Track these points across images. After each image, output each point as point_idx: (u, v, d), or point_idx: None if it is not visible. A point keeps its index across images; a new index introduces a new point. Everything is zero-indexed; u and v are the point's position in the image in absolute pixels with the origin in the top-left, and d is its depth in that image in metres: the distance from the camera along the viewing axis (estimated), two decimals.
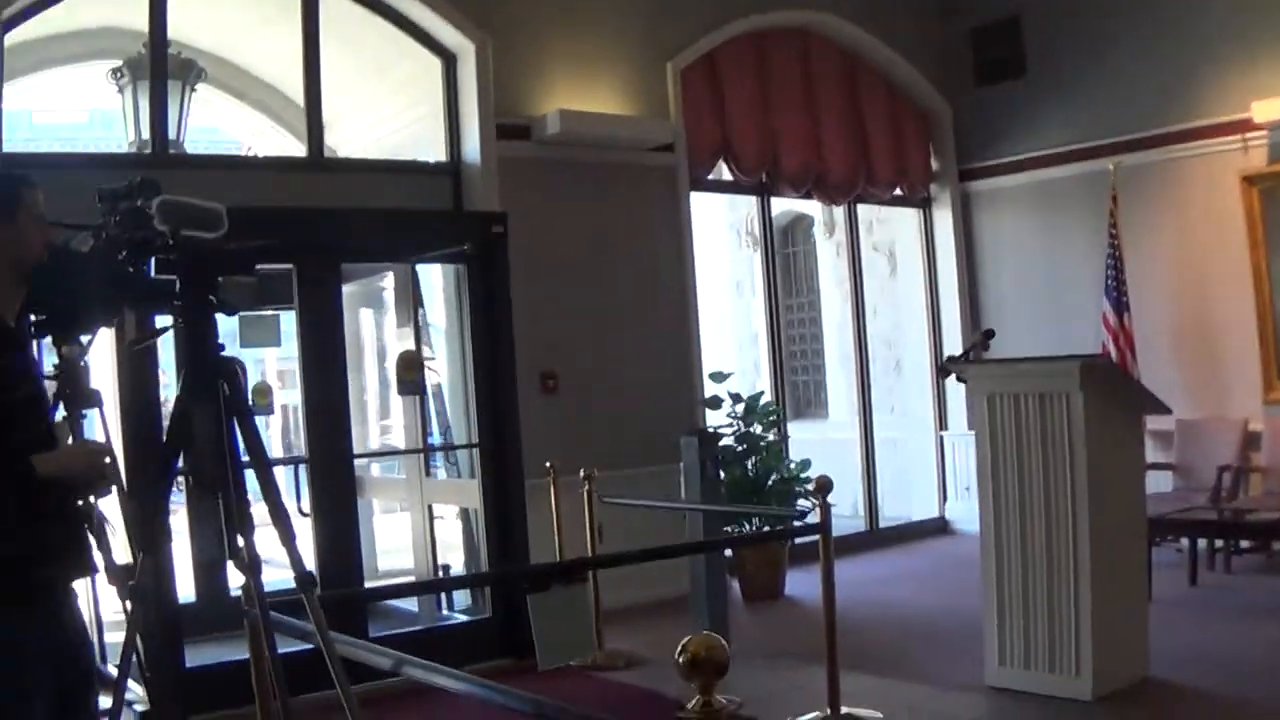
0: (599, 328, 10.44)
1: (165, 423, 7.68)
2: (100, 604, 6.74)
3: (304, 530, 7.87)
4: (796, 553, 10.68)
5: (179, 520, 5.14)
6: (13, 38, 8.36)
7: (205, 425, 3.96)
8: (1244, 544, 10.25)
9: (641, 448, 10.20)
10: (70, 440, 4.34)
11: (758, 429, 10.88)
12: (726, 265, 17.16)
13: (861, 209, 13.63)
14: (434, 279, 9.79)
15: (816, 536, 6.85)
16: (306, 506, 7.92)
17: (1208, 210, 11.41)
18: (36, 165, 7.83)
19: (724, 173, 12.05)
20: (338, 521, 8.03)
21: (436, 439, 9.78)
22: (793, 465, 10.95)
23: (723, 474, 9.03)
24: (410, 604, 9.44)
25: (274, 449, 13.32)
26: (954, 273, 13.52)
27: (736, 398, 10.93)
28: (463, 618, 9.03)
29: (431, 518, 9.59)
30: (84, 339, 4.01)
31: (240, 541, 4.03)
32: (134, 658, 4.24)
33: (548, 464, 8.52)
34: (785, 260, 16.15)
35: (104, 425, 5.04)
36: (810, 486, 10.30)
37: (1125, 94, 11.90)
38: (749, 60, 11.94)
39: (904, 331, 14.34)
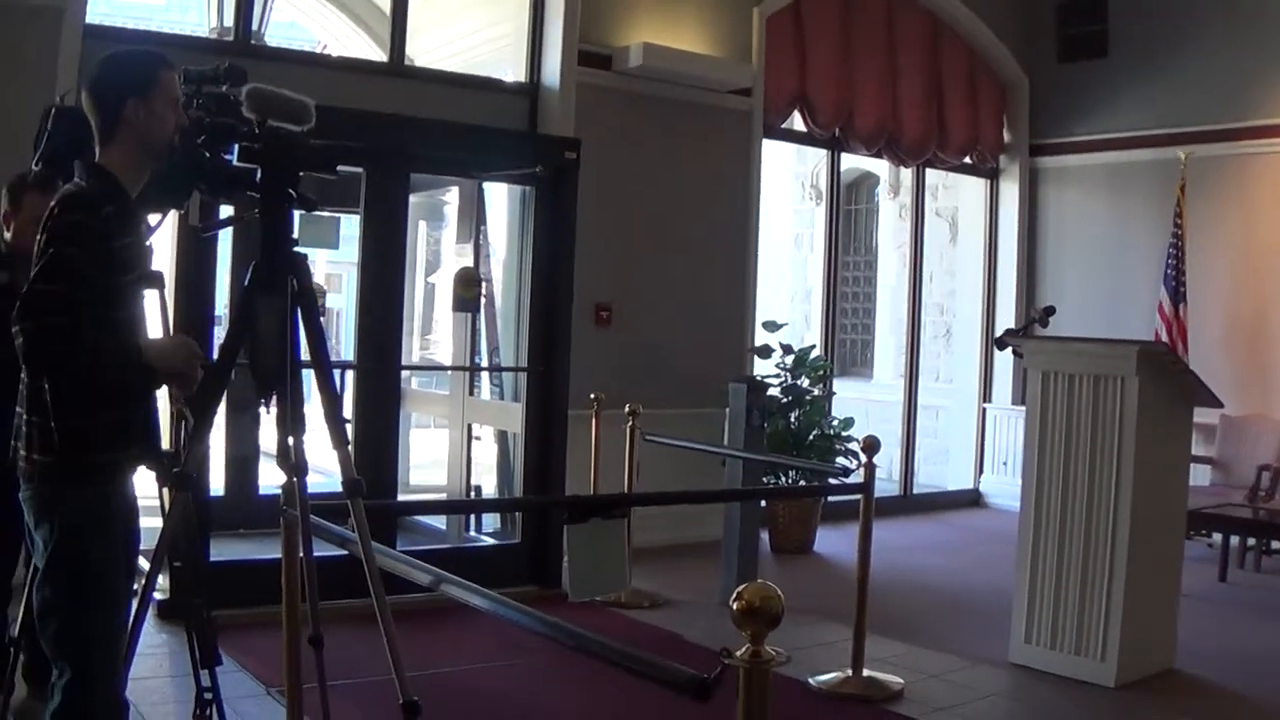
0: (658, 265, 10.40)
1: (220, 312, 7.78)
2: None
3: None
4: (828, 510, 10.66)
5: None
6: None
7: (270, 320, 3.92)
8: (1276, 545, 10.18)
9: (686, 389, 10.20)
10: None
11: (805, 382, 10.83)
12: (788, 217, 17.08)
13: (929, 173, 13.52)
14: (499, 199, 9.74)
15: (856, 496, 6.83)
16: (349, 414, 7.92)
17: (1274, 209, 11.29)
18: (115, 40, 7.80)
19: (798, 123, 11.93)
20: (379, 432, 7.99)
21: (484, 359, 9.75)
22: (836, 422, 10.90)
23: (766, 424, 8.99)
24: (438, 521, 9.46)
25: None
26: (1014, 246, 13.41)
27: (787, 349, 10.87)
28: (490, 541, 9.03)
29: (470, 437, 9.57)
30: (152, 219, 3.97)
31: (290, 441, 4.02)
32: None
33: (592, 395, 8.52)
34: (847, 217, 16.06)
35: (163, 308, 5.02)
36: (852, 445, 10.33)
37: (1203, 84, 11.77)
38: (834, 13, 11.83)
39: (958, 300, 14.25)
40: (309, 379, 4.03)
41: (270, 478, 7.62)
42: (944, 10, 12.76)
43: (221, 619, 5.21)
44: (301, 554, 4.29)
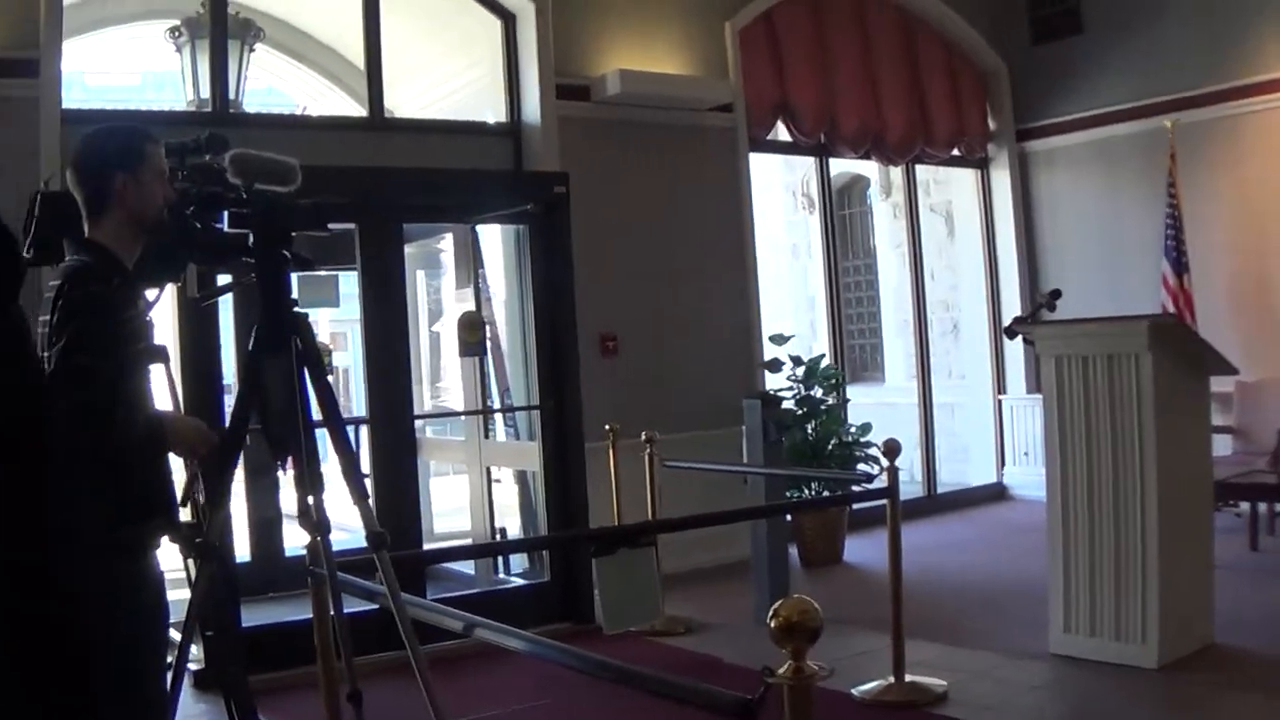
0: (659, 290, 10.37)
1: (228, 380, 7.78)
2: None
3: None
4: (854, 518, 10.62)
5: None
6: None
7: (278, 382, 3.93)
8: None
9: (701, 411, 10.17)
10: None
11: (818, 392, 10.80)
12: (782, 228, 17.07)
13: (919, 170, 13.51)
14: (492, 241, 9.73)
15: (881, 501, 6.79)
16: (367, 467, 7.90)
17: (1271, 167, 11.25)
18: (95, 121, 7.78)
19: (782, 133, 11.91)
20: (399, 483, 8.01)
21: (496, 401, 9.74)
22: (853, 429, 10.87)
23: (784, 438, 8.95)
24: (466, 567, 9.44)
25: None
26: (1012, 234, 13.39)
27: (797, 361, 10.84)
28: (520, 581, 9.00)
29: (489, 480, 9.56)
30: (150, 294, 3.96)
31: (310, 501, 4.01)
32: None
33: (607, 426, 8.49)
34: (841, 222, 16.03)
35: (170, 381, 5.00)
36: (871, 451, 10.29)
37: (1182, 50, 11.75)
38: (806, 19, 11.83)
39: (961, 294, 14.22)
40: (324, 437, 4.02)
41: (295, 539, 7.61)
42: (914, 5, 12.75)
43: (259, 683, 5.19)
44: (332, 611, 4.27)
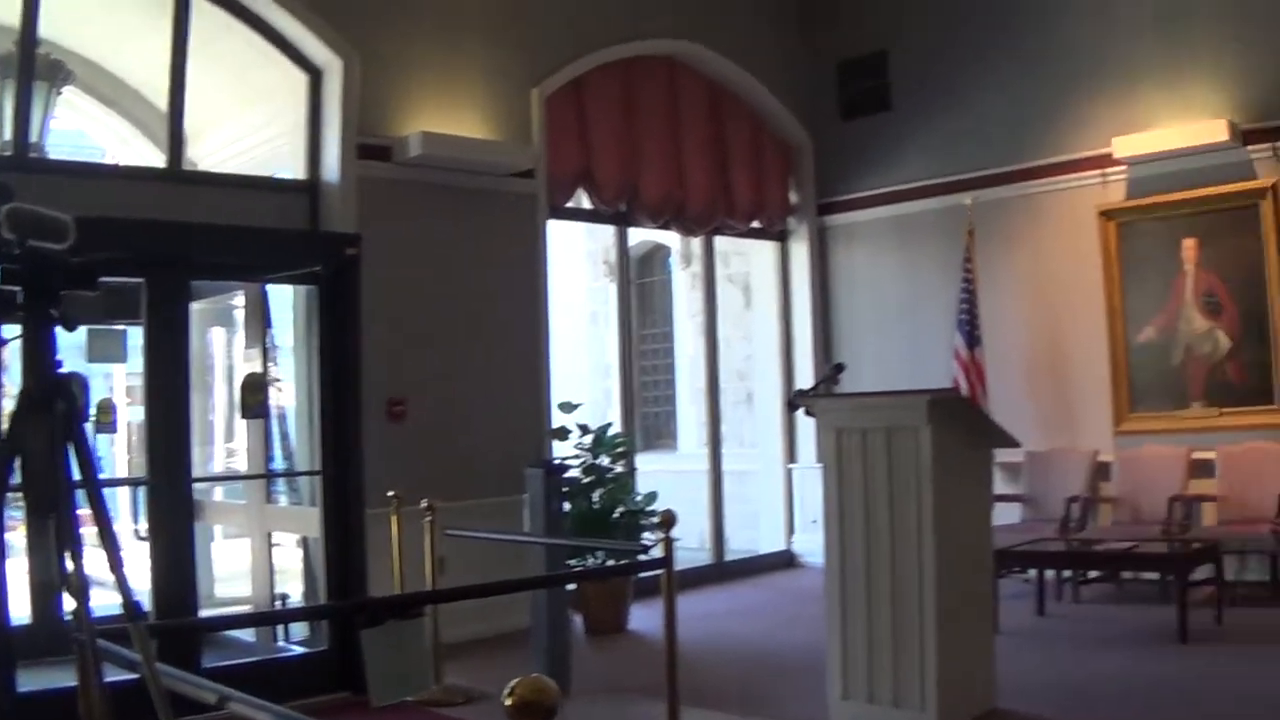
0: (450, 355, 10.29)
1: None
2: None
3: (141, 554, 7.68)
4: (641, 586, 10.60)
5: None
6: None
7: (38, 443, 3.83)
8: (1092, 573, 10.38)
9: (488, 478, 10.10)
10: None
11: (605, 460, 10.83)
12: (583, 295, 17.16)
13: (719, 241, 13.68)
14: (286, 300, 9.59)
15: (660, 571, 6.82)
16: (144, 529, 7.72)
17: (1065, 245, 11.69)
18: None
19: (584, 201, 11.99)
20: (174, 546, 7.75)
21: (280, 464, 9.58)
22: (639, 498, 10.90)
23: (567, 506, 8.94)
24: (248, 634, 9.23)
25: (119, 468, 12.99)
26: (808, 306, 13.64)
27: (584, 429, 10.88)
28: (300, 649, 8.81)
29: (270, 545, 9.37)
30: None
31: (69, 564, 3.91)
32: None
33: (390, 493, 8.39)
34: (641, 291, 16.21)
35: None
36: (656, 520, 10.33)
37: (986, 130, 12.19)
38: (615, 88, 11.96)
39: (756, 364, 14.42)
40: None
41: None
42: (726, 79, 12.99)
43: None
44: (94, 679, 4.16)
